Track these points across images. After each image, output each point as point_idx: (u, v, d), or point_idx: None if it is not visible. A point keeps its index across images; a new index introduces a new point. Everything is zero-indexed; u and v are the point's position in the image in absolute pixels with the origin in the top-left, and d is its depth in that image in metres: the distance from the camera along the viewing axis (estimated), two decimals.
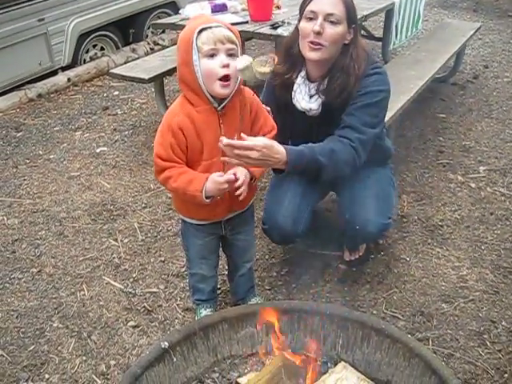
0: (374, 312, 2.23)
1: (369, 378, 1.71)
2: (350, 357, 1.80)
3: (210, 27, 1.67)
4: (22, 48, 4.36)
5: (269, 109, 1.94)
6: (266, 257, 2.57)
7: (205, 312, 2.13)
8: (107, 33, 5.17)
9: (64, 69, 4.82)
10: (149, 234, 2.77)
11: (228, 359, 1.84)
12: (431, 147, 3.47)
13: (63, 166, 3.48)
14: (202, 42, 1.66)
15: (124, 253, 2.64)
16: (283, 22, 3.25)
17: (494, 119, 3.83)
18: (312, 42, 1.94)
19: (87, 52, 5.10)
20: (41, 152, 3.66)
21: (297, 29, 2.03)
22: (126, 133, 3.86)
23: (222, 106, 1.75)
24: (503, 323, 2.16)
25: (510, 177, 3.15)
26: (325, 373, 1.72)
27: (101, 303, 2.34)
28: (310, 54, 1.97)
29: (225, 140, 1.65)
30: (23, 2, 4.27)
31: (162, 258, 2.59)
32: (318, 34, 1.92)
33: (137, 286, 2.43)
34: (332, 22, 1.92)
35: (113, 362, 2.05)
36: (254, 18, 3.36)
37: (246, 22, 3.34)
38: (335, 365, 1.76)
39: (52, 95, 4.57)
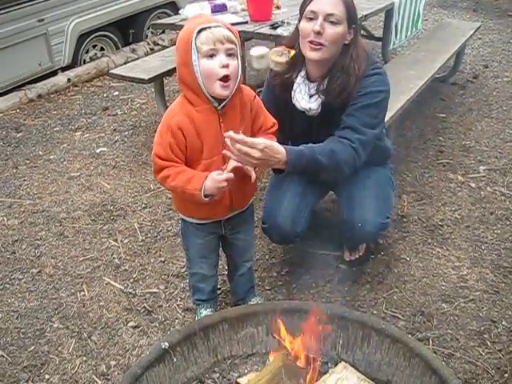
0: (375, 312, 2.23)
1: (369, 378, 1.71)
2: (351, 357, 1.80)
3: (209, 27, 1.66)
4: (21, 48, 4.36)
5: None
6: (267, 257, 2.57)
7: (205, 312, 2.13)
8: (107, 33, 5.17)
9: (64, 69, 4.82)
10: (149, 235, 2.77)
11: (228, 359, 1.84)
12: (431, 147, 3.47)
13: (63, 166, 3.48)
14: (201, 42, 1.66)
15: (124, 253, 2.65)
16: (283, 22, 3.25)
17: (493, 119, 3.83)
18: (312, 42, 1.94)
19: (87, 52, 5.10)
20: (41, 152, 3.67)
21: (297, 29, 2.03)
22: (126, 133, 3.87)
23: (222, 105, 1.75)
24: (503, 323, 2.16)
25: (510, 176, 3.15)
26: (325, 373, 1.72)
27: (101, 303, 2.34)
28: (311, 54, 1.97)
29: (228, 133, 1.66)
30: (23, 3, 4.27)
31: (162, 259, 2.59)
32: (318, 33, 1.91)
33: (137, 287, 2.43)
34: (332, 22, 1.92)
35: (113, 363, 2.05)
36: (253, 18, 3.36)
37: (246, 22, 3.34)
38: (335, 365, 1.76)
39: (52, 95, 4.57)
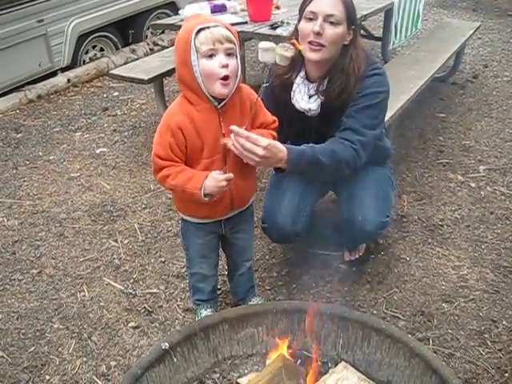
0: (375, 312, 2.23)
1: (369, 378, 1.71)
2: (351, 357, 1.80)
3: (208, 27, 1.66)
4: (21, 49, 4.36)
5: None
6: (267, 257, 2.57)
7: (205, 312, 2.13)
8: (107, 33, 5.18)
9: (64, 70, 4.82)
10: (149, 235, 2.77)
11: (228, 360, 1.84)
12: (431, 147, 3.47)
13: (63, 166, 3.48)
14: (200, 43, 1.66)
15: (124, 253, 2.65)
16: (282, 22, 3.25)
17: (493, 118, 3.83)
18: (312, 43, 1.94)
19: (87, 53, 5.10)
20: (41, 153, 3.67)
21: (296, 29, 2.03)
22: (126, 133, 3.87)
23: (222, 104, 1.75)
24: (504, 322, 2.16)
25: (509, 176, 3.15)
26: (325, 373, 1.72)
27: (101, 304, 2.34)
28: (311, 55, 1.97)
29: (233, 127, 1.69)
30: (22, 3, 4.27)
31: (163, 259, 2.59)
32: (318, 34, 1.92)
33: (137, 287, 2.43)
34: (332, 23, 1.92)
35: (113, 363, 2.05)
36: (253, 18, 3.36)
37: (246, 23, 3.34)
38: (336, 365, 1.76)
39: (52, 96, 4.58)
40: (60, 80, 4.70)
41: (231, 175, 1.74)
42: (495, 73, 4.57)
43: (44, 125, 4.08)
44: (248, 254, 2.13)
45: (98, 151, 3.64)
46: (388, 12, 4.04)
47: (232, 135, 1.71)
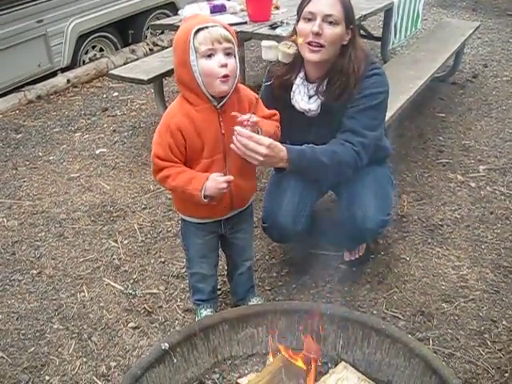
0: (375, 312, 2.23)
1: (369, 379, 1.71)
2: (351, 357, 1.80)
3: (207, 27, 1.67)
4: (21, 49, 4.36)
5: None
6: (266, 257, 2.57)
7: (205, 312, 2.13)
8: (106, 34, 5.17)
9: (63, 70, 4.82)
10: (149, 235, 2.77)
11: (228, 360, 1.85)
12: (431, 147, 3.47)
13: (63, 167, 3.48)
14: (199, 43, 1.66)
15: (124, 254, 2.64)
16: (282, 22, 3.25)
17: (493, 118, 3.83)
18: (311, 43, 1.94)
19: (86, 53, 5.10)
20: (40, 153, 3.67)
21: (295, 30, 2.03)
22: (126, 134, 3.87)
23: (221, 104, 1.76)
24: (504, 322, 2.16)
25: (509, 176, 3.15)
26: (325, 373, 1.72)
27: (101, 304, 2.34)
28: (310, 56, 1.97)
29: (236, 127, 1.70)
30: (22, 4, 4.27)
31: (162, 259, 2.59)
32: (317, 34, 1.92)
33: (137, 287, 2.43)
34: (330, 23, 1.92)
35: (113, 364, 2.05)
36: (252, 18, 3.36)
37: (245, 23, 3.33)
38: (336, 365, 1.76)
39: (51, 97, 4.57)
40: (60, 80, 4.70)
41: (231, 177, 1.75)
42: (495, 72, 4.57)
43: (44, 125, 4.08)
44: (248, 253, 2.13)
45: (97, 151, 3.64)
46: (387, 12, 4.04)
47: (234, 137, 1.72)
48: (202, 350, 1.80)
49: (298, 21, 2.00)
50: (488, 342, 2.07)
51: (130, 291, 2.40)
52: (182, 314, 2.26)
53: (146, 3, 5.32)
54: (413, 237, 2.67)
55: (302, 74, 2.09)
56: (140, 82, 3.67)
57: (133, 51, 5.25)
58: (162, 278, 2.48)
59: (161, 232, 2.79)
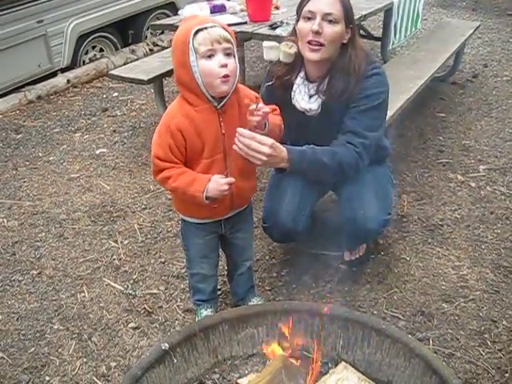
0: (375, 312, 2.23)
1: (369, 379, 1.71)
2: (351, 357, 1.80)
3: (206, 28, 1.67)
4: (21, 50, 4.36)
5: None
6: (267, 257, 2.57)
7: (205, 312, 2.13)
8: (106, 34, 5.18)
9: (63, 70, 4.82)
10: (149, 236, 2.77)
11: (228, 360, 1.84)
12: (431, 147, 3.47)
13: (63, 167, 3.48)
14: (198, 43, 1.66)
15: (124, 254, 2.64)
16: (282, 22, 3.25)
17: (493, 118, 3.83)
18: (311, 42, 1.94)
19: (86, 53, 5.10)
20: (40, 154, 3.67)
21: (294, 30, 2.03)
22: (126, 134, 3.87)
23: (221, 104, 1.76)
24: (504, 322, 2.16)
25: (509, 176, 3.14)
26: (325, 373, 1.72)
27: (101, 305, 2.34)
28: (310, 55, 1.97)
29: (238, 129, 1.72)
30: (22, 4, 4.27)
31: (162, 260, 2.59)
32: (317, 33, 1.92)
33: (137, 288, 2.43)
34: (330, 22, 1.92)
35: (113, 364, 2.05)
36: (252, 18, 3.36)
37: (245, 23, 3.33)
38: (336, 365, 1.76)
39: (51, 97, 4.58)
40: (60, 81, 4.70)
41: (233, 179, 1.76)
42: (495, 72, 4.57)
43: (44, 125, 4.08)
44: (248, 253, 2.13)
45: (97, 152, 3.64)
46: (387, 12, 4.04)
47: (236, 138, 1.72)
48: (202, 350, 1.80)
49: (297, 20, 2.01)
50: (488, 342, 2.07)
51: (130, 291, 2.40)
52: (182, 315, 2.26)
53: (146, 3, 5.32)
54: (413, 237, 2.67)
55: (302, 74, 2.09)
56: (140, 82, 3.68)
57: (133, 51, 5.25)
58: (162, 278, 2.48)
59: (161, 232, 2.79)
